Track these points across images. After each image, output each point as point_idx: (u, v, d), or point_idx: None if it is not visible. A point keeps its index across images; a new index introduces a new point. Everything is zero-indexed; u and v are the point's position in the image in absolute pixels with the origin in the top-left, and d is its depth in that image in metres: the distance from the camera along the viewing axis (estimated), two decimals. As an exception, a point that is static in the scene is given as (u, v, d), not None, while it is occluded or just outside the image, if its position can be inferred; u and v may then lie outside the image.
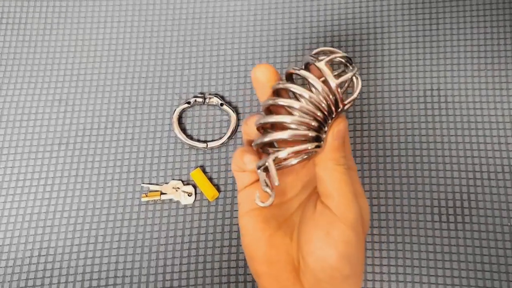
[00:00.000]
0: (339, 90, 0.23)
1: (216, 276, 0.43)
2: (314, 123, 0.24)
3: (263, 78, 0.25)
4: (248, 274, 0.43)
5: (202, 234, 0.44)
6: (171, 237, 0.44)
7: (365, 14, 0.50)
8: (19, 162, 0.46)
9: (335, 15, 0.50)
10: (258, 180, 0.27)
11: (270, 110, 0.27)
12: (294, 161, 0.25)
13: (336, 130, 0.24)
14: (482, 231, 0.43)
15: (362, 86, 0.25)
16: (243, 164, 0.25)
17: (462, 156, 0.45)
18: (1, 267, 0.42)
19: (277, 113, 0.26)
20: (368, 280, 0.42)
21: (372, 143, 0.46)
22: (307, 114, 0.24)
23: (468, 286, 0.41)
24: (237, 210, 0.44)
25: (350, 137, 0.46)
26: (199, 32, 0.50)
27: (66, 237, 0.44)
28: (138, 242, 0.44)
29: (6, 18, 0.50)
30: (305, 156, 0.25)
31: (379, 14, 0.50)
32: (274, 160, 0.24)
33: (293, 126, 0.24)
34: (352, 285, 0.24)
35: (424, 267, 0.42)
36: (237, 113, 0.47)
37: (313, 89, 0.24)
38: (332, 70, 0.24)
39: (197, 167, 0.46)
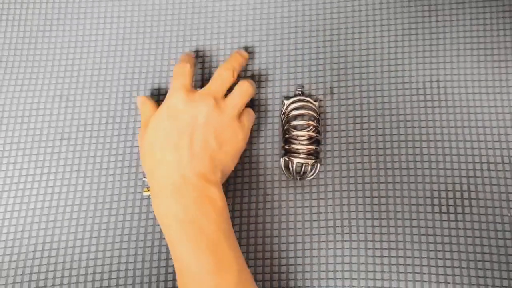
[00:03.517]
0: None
1: (218, 268, 0.43)
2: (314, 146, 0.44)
3: None
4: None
5: (204, 227, 0.44)
6: (173, 230, 0.44)
7: (364, 7, 0.50)
8: (21, 158, 0.46)
9: (334, 8, 0.50)
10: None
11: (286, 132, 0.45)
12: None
13: None
14: (482, 222, 0.43)
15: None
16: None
17: (462, 147, 0.45)
18: (6, 262, 0.43)
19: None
20: (369, 271, 0.42)
21: (372, 135, 0.46)
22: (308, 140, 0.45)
23: (468, 276, 0.42)
24: (237, 203, 0.45)
25: (350, 130, 0.46)
26: (198, 26, 0.50)
27: (69, 231, 0.44)
28: (140, 236, 0.44)
29: (6, 14, 0.51)
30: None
31: (378, 6, 0.50)
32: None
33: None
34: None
35: (424, 257, 0.42)
36: (237, 107, 0.48)
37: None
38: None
39: (198, 161, 0.46)
